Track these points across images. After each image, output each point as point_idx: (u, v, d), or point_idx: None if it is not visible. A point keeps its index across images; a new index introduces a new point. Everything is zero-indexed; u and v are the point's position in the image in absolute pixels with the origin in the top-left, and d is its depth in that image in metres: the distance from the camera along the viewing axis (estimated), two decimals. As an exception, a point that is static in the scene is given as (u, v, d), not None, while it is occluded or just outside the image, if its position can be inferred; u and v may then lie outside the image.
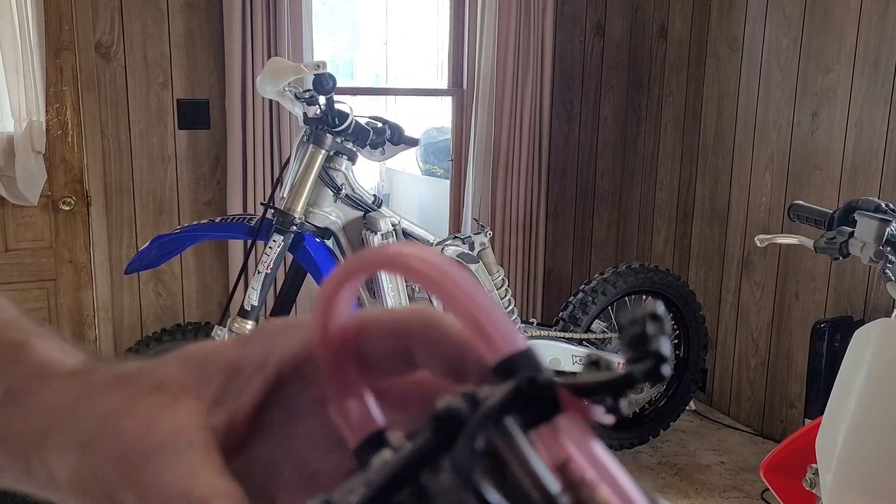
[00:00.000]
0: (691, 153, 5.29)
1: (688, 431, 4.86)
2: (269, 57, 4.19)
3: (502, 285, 3.87)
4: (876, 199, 2.26)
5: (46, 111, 4.01)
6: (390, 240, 3.48)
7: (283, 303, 3.63)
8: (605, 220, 5.47)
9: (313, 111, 3.38)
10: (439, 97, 5.71)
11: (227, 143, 4.32)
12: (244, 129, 4.30)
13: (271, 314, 3.89)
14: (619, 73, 5.31)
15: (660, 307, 0.37)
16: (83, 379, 0.42)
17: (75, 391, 0.41)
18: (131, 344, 3.47)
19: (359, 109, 3.46)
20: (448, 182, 5.40)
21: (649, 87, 5.39)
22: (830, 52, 4.31)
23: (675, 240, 5.47)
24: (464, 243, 3.76)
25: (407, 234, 3.63)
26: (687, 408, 4.75)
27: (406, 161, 7.21)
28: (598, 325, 4.27)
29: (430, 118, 7.04)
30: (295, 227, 3.34)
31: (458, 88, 5.07)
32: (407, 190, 7.53)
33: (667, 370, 0.35)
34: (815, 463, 1.90)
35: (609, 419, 0.36)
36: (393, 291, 3.50)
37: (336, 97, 3.39)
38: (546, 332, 4.08)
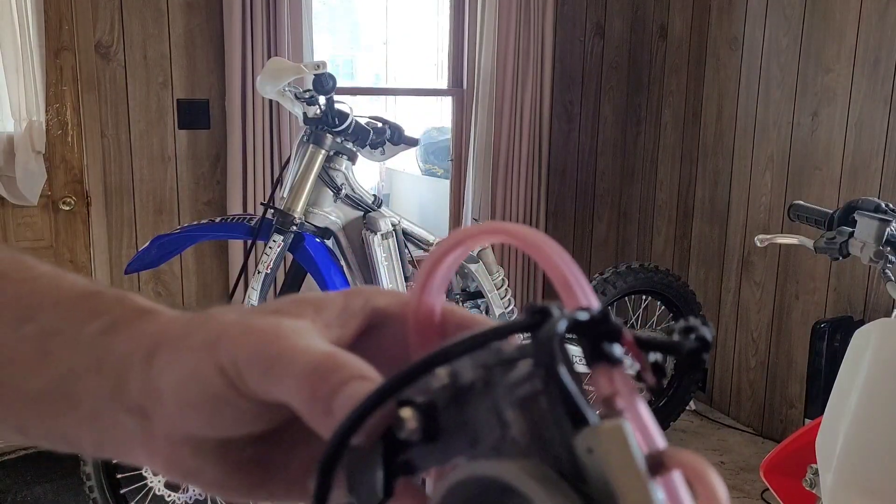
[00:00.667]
0: (691, 153, 5.29)
1: (688, 431, 4.85)
2: (269, 57, 4.19)
3: (502, 285, 3.87)
4: (876, 199, 2.26)
5: (46, 111, 4.01)
6: (390, 240, 3.48)
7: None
8: (604, 220, 5.47)
9: (313, 111, 3.38)
10: (439, 97, 5.70)
11: (227, 142, 4.32)
12: (244, 129, 4.30)
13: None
14: (619, 73, 5.31)
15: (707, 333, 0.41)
16: (203, 313, 0.46)
17: (189, 318, 0.45)
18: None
19: (359, 109, 3.46)
20: (448, 182, 5.40)
21: (649, 87, 5.38)
22: (830, 52, 4.30)
23: (675, 240, 5.46)
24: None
25: (407, 234, 3.63)
26: (687, 408, 4.74)
27: (406, 161, 7.21)
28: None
29: (430, 118, 7.04)
30: (295, 227, 3.34)
31: (458, 88, 5.07)
32: (407, 190, 7.52)
33: (708, 352, 0.41)
34: (815, 463, 1.90)
35: (650, 376, 0.41)
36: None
37: (336, 97, 3.38)
38: (546, 333, 4.07)
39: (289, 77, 3.32)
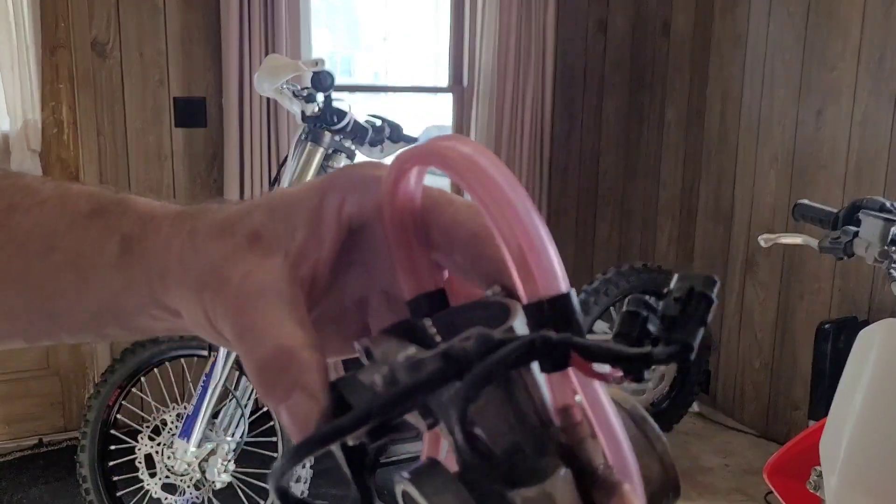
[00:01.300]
0: (695, 152, 5.27)
1: (691, 433, 4.83)
2: (267, 54, 4.17)
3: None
4: (881, 199, 2.26)
5: (42, 109, 3.99)
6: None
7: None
8: (607, 220, 5.44)
9: (311, 109, 3.36)
10: (439, 94, 5.67)
11: (224, 141, 4.31)
12: (241, 128, 4.28)
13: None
14: (621, 70, 5.28)
15: (714, 286, 0.39)
16: (190, 225, 0.47)
17: (182, 238, 0.46)
18: (127, 344, 3.45)
19: (357, 107, 3.44)
20: (448, 180, 5.37)
21: (652, 84, 5.36)
22: (835, 50, 4.29)
23: (679, 239, 5.44)
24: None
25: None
26: (690, 410, 4.72)
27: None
28: (600, 325, 4.25)
29: (430, 116, 7.02)
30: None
31: (459, 86, 5.05)
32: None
33: (691, 359, 0.37)
34: (820, 465, 1.90)
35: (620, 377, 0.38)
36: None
37: (334, 95, 3.37)
38: (547, 333, 4.05)
39: (286, 74, 3.30)
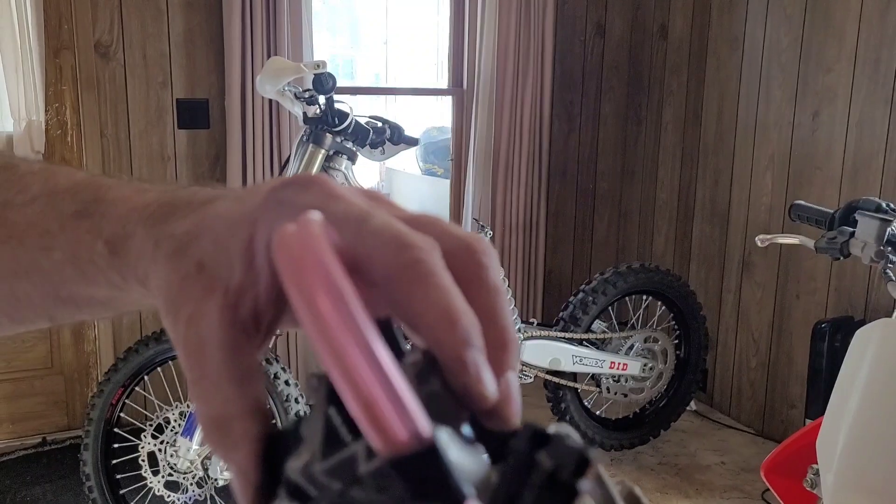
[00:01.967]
0: (692, 153, 5.28)
1: (688, 432, 4.84)
2: (269, 56, 4.19)
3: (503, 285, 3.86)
4: (877, 199, 2.26)
5: (46, 111, 4.01)
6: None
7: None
8: (605, 220, 5.46)
9: (313, 111, 3.37)
10: (439, 97, 5.69)
11: (226, 142, 4.32)
12: (244, 129, 4.29)
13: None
14: (619, 72, 5.30)
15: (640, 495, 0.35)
16: (155, 233, 0.46)
17: (150, 249, 0.46)
18: (131, 343, 3.46)
19: (359, 109, 3.45)
20: (448, 182, 5.40)
21: (650, 86, 5.38)
22: (831, 52, 4.30)
23: (676, 240, 5.45)
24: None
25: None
26: (687, 408, 4.73)
27: (406, 161, 7.21)
28: (598, 325, 4.26)
29: (431, 118, 7.03)
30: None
31: (459, 88, 5.06)
32: (407, 190, 7.52)
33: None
34: (816, 463, 1.90)
35: None
36: None
37: (336, 97, 3.38)
38: (546, 333, 4.07)
39: (288, 76, 3.32)
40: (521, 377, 3.88)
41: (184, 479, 3.42)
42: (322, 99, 3.34)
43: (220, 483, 3.42)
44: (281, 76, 3.32)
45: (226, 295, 0.42)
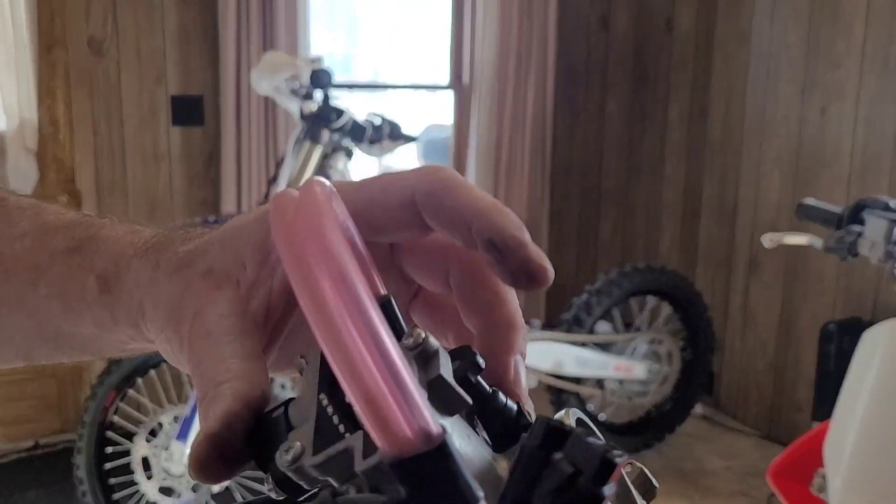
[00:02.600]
0: (698, 150, 5.24)
1: (694, 436, 4.80)
2: (265, 51, 4.15)
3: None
4: (886, 198, 2.26)
5: (38, 108, 3.98)
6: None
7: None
8: (610, 220, 5.42)
9: (310, 107, 3.35)
10: (439, 92, 5.66)
11: (221, 139, 4.30)
12: (239, 126, 4.27)
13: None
14: (624, 67, 5.26)
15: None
16: (155, 259, 0.48)
17: (149, 273, 0.48)
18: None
19: (357, 105, 3.43)
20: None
21: (655, 82, 5.34)
22: (839, 48, 4.27)
23: (682, 239, 5.42)
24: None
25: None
26: (693, 411, 4.70)
27: (406, 159, 7.20)
28: (602, 326, 4.22)
29: (431, 114, 7.01)
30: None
31: (459, 83, 5.03)
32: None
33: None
34: (824, 467, 1.89)
35: None
36: None
37: (333, 93, 3.37)
38: (549, 334, 4.04)
39: (285, 72, 3.31)
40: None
41: (178, 483, 3.41)
42: (319, 95, 3.34)
43: (216, 488, 3.40)
44: (277, 71, 3.32)
45: (237, 288, 0.45)
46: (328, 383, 0.35)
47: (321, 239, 0.32)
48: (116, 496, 3.43)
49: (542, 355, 3.97)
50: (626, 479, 0.37)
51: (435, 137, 6.89)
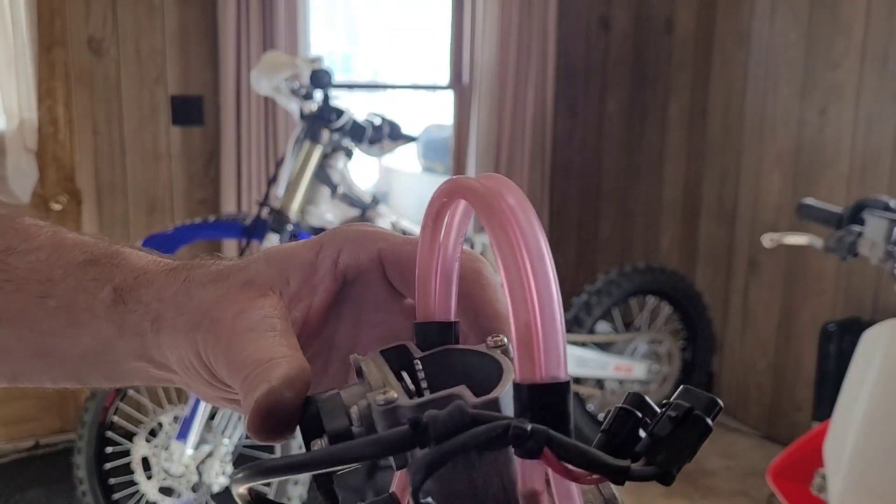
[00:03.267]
0: (698, 150, 5.25)
1: (694, 435, 4.81)
2: (265, 51, 4.15)
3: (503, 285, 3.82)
4: (885, 198, 2.26)
5: (38, 108, 3.98)
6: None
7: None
8: (609, 220, 5.42)
9: (309, 107, 3.35)
10: (439, 92, 5.66)
11: (221, 139, 4.29)
12: (238, 126, 4.27)
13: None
14: (623, 68, 5.26)
15: (712, 412, 0.38)
16: (185, 275, 0.50)
17: (177, 286, 0.49)
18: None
19: (357, 105, 3.43)
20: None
21: (655, 82, 5.33)
22: (838, 48, 4.27)
23: (682, 239, 5.42)
24: (465, 242, 3.70)
25: (406, 234, 3.57)
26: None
27: (406, 159, 7.20)
28: (602, 326, 4.22)
29: (431, 114, 7.01)
30: (290, 227, 3.30)
31: (459, 83, 5.03)
32: (406, 188, 7.52)
33: (668, 484, 0.37)
34: (824, 467, 1.89)
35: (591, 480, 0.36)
36: None
37: (333, 93, 3.37)
38: (549, 334, 4.03)
39: (285, 71, 3.31)
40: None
41: (178, 483, 3.40)
42: (319, 95, 3.33)
43: (216, 488, 3.39)
44: (277, 71, 3.32)
45: (279, 298, 0.48)
46: (398, 371, 0.42)
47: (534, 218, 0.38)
48: (116, 496, 3.43)
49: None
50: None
51: (435, 137, 6.89)
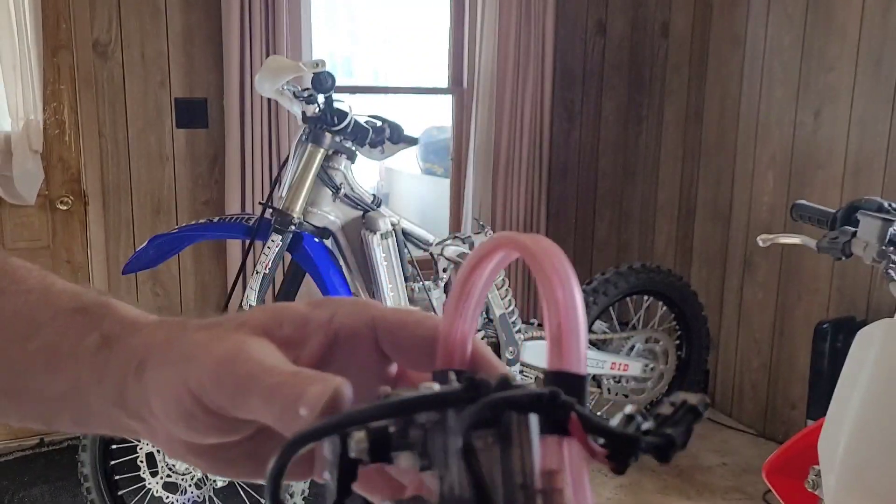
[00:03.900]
0: (693, 152, 5.27)
1: (689, 432, 4.83)
2: (268, 55, 4.17)
3: (503, 285, 3.85)
4: (879, 199, 2.25)
5: (44, 110, 3.99)
6: (389, 240, 3.46)
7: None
8: (606, 220, 5.45)
9: (312, 110, 3.36)
10: (439, 95, 5.67)
11: (225, 142, 4.31)
12: (242, 128, 4.28)
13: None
14: (620, 71, 5.29)
15: (703, 405, 0.42)
16: (178, 322, 0.50)
17: (169, 333, 0.49)
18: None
19: (358, 108, 3.44)
20: (448, 181, 5.39)
21: (651, 85, 5.36)
22: (833, 51, 4.29)
23: (677, 240, 5.44)
24: (464, 243, 3.73)
25: (406, 234, 3.60)
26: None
27: (406, 160, 7.19)
28: (599, 325, 4.24)
29: (430, 117, 7.01)
30: (293, 227, 3.32)
31: (459, 87, 5.05)
32: (407, 189, 7.52)
33: (672, 455, 0.40)
34: (818, 464, 1.89)
35: (603, 459, 0.40)
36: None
37: (335, 96, 3.37)
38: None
39: (287, 75, 3.31)
40: (521, 377, 3.87)
41: (182, 480, 3.41)
42: (321, 98, 3.33)
43: (219, 484, 3.41)
44: (280, 75, 3.32)
45: (271, 339, 0.48)
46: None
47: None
48: (121, 492, 3.43)
49: (540, 353, 3.98)
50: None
51: (435, 139, 6.91)
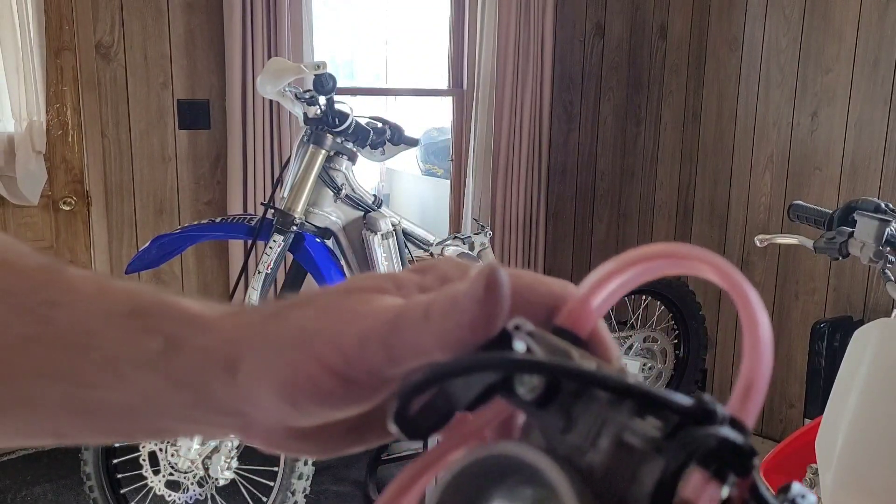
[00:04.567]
0: (691, 153, 5.28)
1: (687, 431, 4.83)
2: (270, 57, 4.18)
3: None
4: (875, 200, 2.26)
5: (47, 111, 4.01)
6: (390, 240, 3.47)
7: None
8: (604, 221, 5.46)
9: (313, 111, 3.36)
10: (439, 97, 5.69)
11: (227, 143, 4.32)
12: (244, 130, 4.29)
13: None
14: (618, 73, 5.31)
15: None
16: (258, 309, 0.48)
17: (257, 322, 0.47)
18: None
19: (359, 109, 3.45)
20: (448, 182, 5.40)
21: (649, 87, 5.38)
22: (830, 52, 4.31)
23: (675, 240, 5.37)
24: (464, 243, 3.74)
25: (407, 235, 3.61)
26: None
27: (406, 161, 7.20)
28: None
29: (431, 118, 7.02)
30: (295, 228, 3.32)
31: (459, 89, 5.07)
32: (407, 190, 7.51)
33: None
34: (815, 463, 1.90)
35: None
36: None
37: (336, 97, 3.38)
38: (546, 332, 4.05)
39: (289, 77, 3.31)
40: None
41: (184, 478, 3.40)
42: (322, 100, 3.33)
43: (221, 482, 3.41)
44: (281, 77, 3.31)
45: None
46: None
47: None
48: (124, 491, 3.45)
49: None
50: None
51: (435, 140, 6.91)
